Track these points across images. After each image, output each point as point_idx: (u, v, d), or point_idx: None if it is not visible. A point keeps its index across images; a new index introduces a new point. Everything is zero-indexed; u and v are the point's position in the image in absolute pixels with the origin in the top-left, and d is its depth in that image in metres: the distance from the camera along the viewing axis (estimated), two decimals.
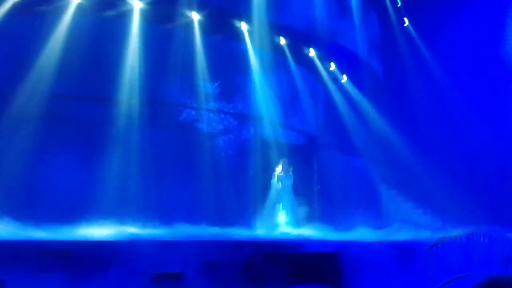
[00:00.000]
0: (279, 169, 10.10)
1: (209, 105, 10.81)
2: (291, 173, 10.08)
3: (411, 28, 12.23)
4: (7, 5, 8.73)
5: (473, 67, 10.78)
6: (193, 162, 10.32)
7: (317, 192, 10.16)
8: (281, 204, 9.75)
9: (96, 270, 5.43)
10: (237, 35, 11.41)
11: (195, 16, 10.65)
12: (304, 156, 10.71)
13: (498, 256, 7.19)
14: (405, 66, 12.24)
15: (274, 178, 10.08)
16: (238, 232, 8.34)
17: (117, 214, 8.18)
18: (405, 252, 7.40)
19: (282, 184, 9.91)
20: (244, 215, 9.93)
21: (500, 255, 7.21)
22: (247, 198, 10.68)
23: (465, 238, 7.24)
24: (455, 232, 7.29)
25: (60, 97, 8.91)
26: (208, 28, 10.87)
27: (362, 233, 8.75)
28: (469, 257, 7.12)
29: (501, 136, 10.38)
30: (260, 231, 9.31)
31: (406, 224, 9.21)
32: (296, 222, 9.67)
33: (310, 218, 9.86)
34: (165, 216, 8.35)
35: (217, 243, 6.82)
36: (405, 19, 12.29)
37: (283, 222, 9.71)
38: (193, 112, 10.68)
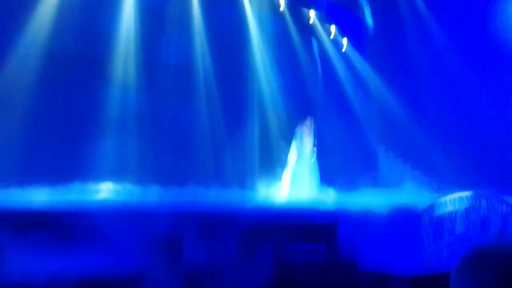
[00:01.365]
0: (304, 127, 9.93)
1: (206, 68, 10.66)
2: (314, 133, 9.94)
3: None
4: None
5: (476, 33, 10.60)
6: (190, 124, 10.25)
7: (314, 153, 10.13)
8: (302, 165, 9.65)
9: (91, 234, 5.40)
10: None
11: None
12: (302, 118, 10.62)
13: (493, 218, 7.33)
14: (407, 30, 11.89)
15: (296, 138, 9.88)
16: (237, 198, 8.30)
17: (115, 176, 8.21)
18: (401, 213, 7.27)
19: (303, 145, 9.72)
20: (243, 178, 9.87)
21: (496, 217, 7.36)
22: (246, 161, 10.62)
23: (461, 200, 7.29)
24: (451, 194, 7.28)
25: (55, 58, 8.77)
26: None
27: (359, 195, 8.64)
28: (464, 219, 7.17)
29: (503, 101, 10.32)
30: (259, 194, 9.36)
31: (403, 185, 9.18)
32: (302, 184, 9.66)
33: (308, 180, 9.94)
34: (162, 178, 8.29)
35: (216, 207, 6.90)
36: None
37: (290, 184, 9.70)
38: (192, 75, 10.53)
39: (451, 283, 1.56)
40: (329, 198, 8.84)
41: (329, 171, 9.96)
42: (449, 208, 7.36)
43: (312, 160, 9.80)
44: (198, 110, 10.36)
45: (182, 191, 8.01)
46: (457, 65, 10.58)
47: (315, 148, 9.96)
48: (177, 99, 10.13)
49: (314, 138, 9.93)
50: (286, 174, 9.89)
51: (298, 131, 9.94)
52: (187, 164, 9.77)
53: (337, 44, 12.63)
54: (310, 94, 11.81)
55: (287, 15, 11.82)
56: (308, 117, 9.94)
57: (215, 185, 8.91)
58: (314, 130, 9.92)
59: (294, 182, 9.76)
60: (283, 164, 10.29)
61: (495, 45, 10.12)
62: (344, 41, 12.66)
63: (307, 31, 12.14)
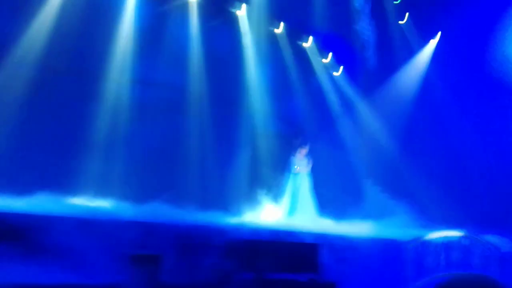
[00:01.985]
0: (300, 155, 9.70)
1: (200, 89, 10.66)
2: (309, 159, 9.73)
3: (407, 25, 12.19)
4: None
5: (464, 68, 10.80)
6: (180, 146, 10.19)
7: (311, 181, 10.07)
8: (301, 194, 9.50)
9: (67, 249, 5.35)
10: (234, 21, 11.24)
11: None
12: (298, 144, 10.56)
13: (476, 258, 7.32)
14: (399, 62, 12.21)
15: (294, 165, 9.69)
16: (221, 218, 8.24)
17: (97, 192, 8.13)
18: (385, 248, 7.46)
19: (300, 172, 9.54)
20: (231, 202, 9.75)
21: (479, 258, 7.33)
22: (235, 185, 10.54)
23: (445, 239, 7.36)
24: (436, 232, 7.42)
25: (49, 70, 8.79)
26: (204, 12, 10.70)
27: (345, 225, 8.79)
28: (448, 257, 7.23)
29: (489, 139, 10.43)
30: (246, 218, 9.22)
31: (388, 220, 9.22)
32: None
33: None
34: (145, 196, 8.26)
35: (197, 228, 6.76)
36: (406, 14, 12.18)
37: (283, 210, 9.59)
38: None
39: None
40: (327, 226, 8.81)
41: (320, 200, 9.98)
42: (433, 244, 7.43)
43: (309, 188, 9.77)
44: (188, 132, 10.33)
45: (164, 211, 7.92)
46: (447, 102, 10.72)
47: (311, 175, 9.91)
48: (168, 119, 10.13)
49: (310, 165, 9.88)
50: (284, 201, 9.78)
51: (295, 157, 9.91)
52: (172, 184, 9.67)
53: (329, 73, 12.68)
54: (302, 121, 11.88)
55: (285, 40, 11.91)
56: (305, 143, 9.93)
57: (200, 207, 8.79)
58: (309, 157, 9.90)
59: (292, 209, 9.64)
60: (272, 190, 10.18)
61: (487, 80, 10.29)
62: (340, 69, 12.74)
63: (303, 58, 12.23)
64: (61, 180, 8.36)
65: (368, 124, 11.96)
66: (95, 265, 5.50)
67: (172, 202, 8.19)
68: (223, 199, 9.80)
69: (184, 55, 10.48)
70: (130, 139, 9.51)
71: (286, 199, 9.80)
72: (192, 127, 10.41)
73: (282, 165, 10.42)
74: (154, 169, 9.74)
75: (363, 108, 12.23)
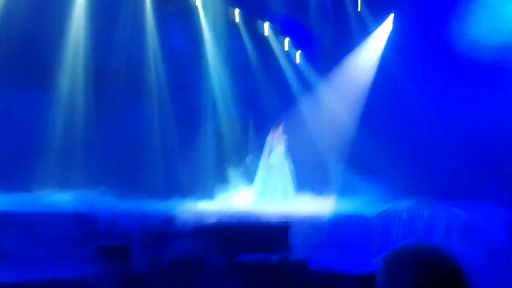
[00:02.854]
0: (275, 134, 9.55)
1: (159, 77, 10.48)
2: (283, 141, 9.56)
3: (362, 7, 12.28)
4: None
5: (423, 46, 10.95)
6: (142, 135, 10.02)
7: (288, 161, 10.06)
8: (274, 176, 9.33)
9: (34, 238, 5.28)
10: (190, 7, 11.11)
11: None
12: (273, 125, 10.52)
13: (439, 229, 7.39)
14: (355, 44, 12.32)
15: (266, 146, 9.53)
16: (189, 204, 8.18)
17: (59, 185, 7.92)
18: (352, 223, 7.55)
19: (274, 153, 9.40)
20: (200, 187, 9.66)
21: (441, 228, 7.41)
22: (202, 170, 10.48)
23: (407, 210, 7.44)
24: (399, 204, 7.54)
25: None
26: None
27: (312, 204, 8.84)
28: (412, 227, 7.28)
29: (447, 113, 10.72)
30: (216, 202, 9.17)
31: (354, 197, 9.33)
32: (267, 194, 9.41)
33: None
34: (110, 187, 8.06)
35: (164, 215, 6.78)
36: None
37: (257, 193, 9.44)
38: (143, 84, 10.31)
39: (376, 283, 1.56)
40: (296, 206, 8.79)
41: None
42: (397, 216, 7.61)
43: (287, 168, 9.62)
44: (149, 120, 10.15)
45: (130, 201, 7.78)
46: (404, 79, 10.94)
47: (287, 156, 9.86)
48: (127, 108, 9.89)
49: (285, 143, 9.84)
50: (257, 182, 9.62)
51: (269, 138, 9.77)
52: (137, 174, 9.53)
53: (290, 57, 12.77)
54: (264, 105, 11.90)
55: (242, 27, 11.86)
56: (279, 124, 9.87)
57: (168, 195, 8.70)
58: (285, 135, 9.85)
59: (267, 190, 9.47)
60: (240, 173, 10.15)
61: (445, 56, 10.55)
62: (298, 53, 12.80)
63: (261, 42, 12.17)
64: (16, 175, 8.15)
65: (329, 104, 12.05)
66: (63, 258, 5.47)
67: (138, 191, 8.07)
68: (192, 185, 9.62)
69: (140, 43, 10.25)
70: (88, 131, 9.26)
71: (259, 180, 9.68)
72: (153, 115, 10.23)
73: (247, 147, 10.33)
74: (116, 159, 9.51)
75: (323, 89, 12.34)
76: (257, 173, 9.80)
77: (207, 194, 9.46)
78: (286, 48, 12.75)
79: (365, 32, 12.16)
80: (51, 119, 8.99)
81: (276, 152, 9.71)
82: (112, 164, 9.40)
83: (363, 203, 8.89)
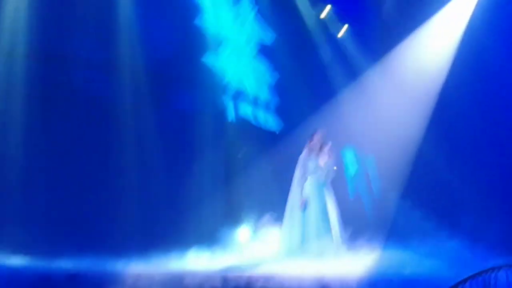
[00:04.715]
0: (312, 149, 7.81)
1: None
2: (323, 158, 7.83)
3: None
4: None
5: None
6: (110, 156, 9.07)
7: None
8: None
9: None
10: None
11: None
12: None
13: None
14: (426, 15, 10.65)
15: (298, 169, 7.81)
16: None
17: None
18: None
19: (311, 180, 7.75)
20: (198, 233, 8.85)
21: None
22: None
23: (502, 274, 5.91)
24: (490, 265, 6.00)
25: None
26: None
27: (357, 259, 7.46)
28: None
29: None
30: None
31: (424, 250, 7.76)
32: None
33: None
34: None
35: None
36: None
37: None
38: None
39: None
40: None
41: None
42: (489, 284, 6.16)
43: (331, 203, 7.84)
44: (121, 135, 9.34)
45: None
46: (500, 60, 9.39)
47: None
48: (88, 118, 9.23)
49: (333, 167, 7.93)
50: (286, 226, 7.87)
51: (303, 157, 7.81)
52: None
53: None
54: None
55: None
56: (316, 133, 7.91)
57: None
58: (331, 154, 7.95)
59: (299, 237, 7.77)
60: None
61: None
62: (344, 28, 11.50)
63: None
64: None
65: (383, 103, 10.52)
66: None
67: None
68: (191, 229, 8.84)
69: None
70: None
71: (287, 222, 7.90)
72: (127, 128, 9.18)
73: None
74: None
75: (376, 81, 10.90)
76: (285, 211, 7.94)
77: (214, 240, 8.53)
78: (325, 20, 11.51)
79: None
80: None
81: (314, 178, 7.81)
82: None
83: (439, 259, 7.52)
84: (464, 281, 6.16)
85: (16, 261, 7.42)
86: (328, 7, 11.46)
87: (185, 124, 9.85)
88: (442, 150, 9.70)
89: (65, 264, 7.06)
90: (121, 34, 9.56)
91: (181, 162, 9.63)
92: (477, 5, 10.12)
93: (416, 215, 9.05)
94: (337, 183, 8.45)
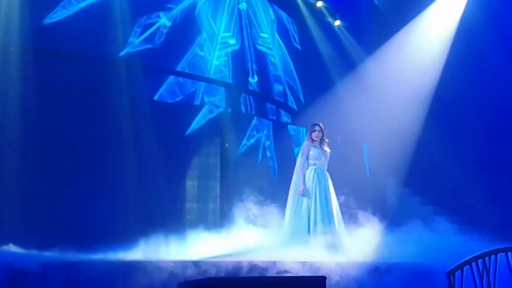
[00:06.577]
0: (313, 140, 7.93)
1: None
2: (326, 148, 7.97)
3: None
4: None
5: None
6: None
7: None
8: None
9: None
10: None
11: None
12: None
13: None
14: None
15: (299, 160, 7.94)
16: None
17: None
18: (419, 275, 6.82)
19: (311, 171, 7.90)
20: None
21: None
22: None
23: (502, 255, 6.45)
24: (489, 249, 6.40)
25: None
26: None
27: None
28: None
29: None
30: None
31: (420, 235, 7.99)
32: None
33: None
34: None
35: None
36: None
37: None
38: None
39: None
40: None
41: None
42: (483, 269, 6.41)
43: (330, 192, 7.93)
44: None
45: None
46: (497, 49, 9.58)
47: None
48: None
49: (328, 155, 7.98)
50: (288, 214, 7.97)
51: (304, 147, 7.97)
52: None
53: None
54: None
55: None
56: (316, 125, 7.95)
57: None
58: (326, 143, 8.18)
59: (301, 226, 7.85)
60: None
61: None
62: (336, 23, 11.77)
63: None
64: None
65: (381, 94, 10.77)
66: None
67: None
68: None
69: None
70: None
71: (289, 211, 8.00)
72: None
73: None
74: None
75: (372, 70, 11.15)
76: (288, 200, 8.07)
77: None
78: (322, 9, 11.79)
79: None
80: None
81: (317, 165, 8.08)
82: None
83: (431, 245, 7.77)
84: (465, 263, 6.46)
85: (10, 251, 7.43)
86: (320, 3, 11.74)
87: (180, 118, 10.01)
88: (441, 138, 9.97)
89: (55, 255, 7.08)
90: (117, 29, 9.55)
91: (175, 152, 9.80)
92: None
93: (416, 201, 9.30)
94: None
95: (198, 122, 10.38)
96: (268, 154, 11.19)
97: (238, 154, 10.62)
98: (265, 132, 11.23)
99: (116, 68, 9.59)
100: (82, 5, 9.36)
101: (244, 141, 10.84)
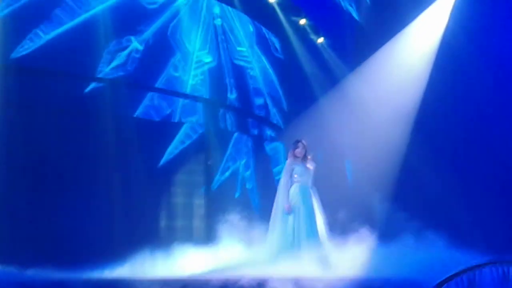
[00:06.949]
0: (296, 156, 7.94)
1: None
2: (310, 164, 8.00)
3: None
4: None
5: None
6: None
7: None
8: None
9: None
10: None
11: None
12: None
13: None
14: (404, 21, 11.11)
15: (284, 176, 7.95)
16: None
17: None
18: None
19: (296, 187, 7.90)
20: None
21: None
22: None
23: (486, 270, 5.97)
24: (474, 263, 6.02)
25: None
26: None
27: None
28: None
29: None
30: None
31: (408, 251, 7.94)
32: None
33: None
34: None
35: None
36: None
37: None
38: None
39: None
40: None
41: None
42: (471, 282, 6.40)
43: (315, 208, 7.95)
44: None
45: None
46: (483, 76, 9.68)
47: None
48: None
49: (312, 170, 8.00)
50: (272, 231, 7.95)
51: (288, 164, 7.97)
52: None
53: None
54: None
55: None
56: (300, 141, 7.99)
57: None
58: (310, 159, 8.20)
59: (286, 242, 7.85)
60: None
61: None
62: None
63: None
64: None
65: (365, 109, 10.85)
66: None
67: None
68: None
69: None
70: None
71: (273, 228, 7.99)
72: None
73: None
74: None
75: (355, 87, 11.20)
76: (271, 217, 8.07)
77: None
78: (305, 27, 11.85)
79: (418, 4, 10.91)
80: None
81: (301, 181, 8.08)
82: None
83: (419, 259, 7.61)
84: (449, 278, 6.48)
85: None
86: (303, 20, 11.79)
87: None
88: (425, 153, 9.95)
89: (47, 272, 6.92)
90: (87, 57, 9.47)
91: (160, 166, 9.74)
92: (453, 9, 10.54)
93: (400, 216, 9.22)
94: None
95: (182, 142, 10.31)
96: (247, 186, 11.02)
97: (212, 191, 10.51)
98: (243, 161, 11.04)
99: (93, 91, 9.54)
100: (49, 36, 9.14)
101: (217, 176, 10.65)
